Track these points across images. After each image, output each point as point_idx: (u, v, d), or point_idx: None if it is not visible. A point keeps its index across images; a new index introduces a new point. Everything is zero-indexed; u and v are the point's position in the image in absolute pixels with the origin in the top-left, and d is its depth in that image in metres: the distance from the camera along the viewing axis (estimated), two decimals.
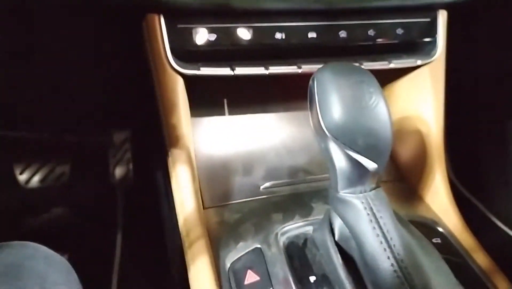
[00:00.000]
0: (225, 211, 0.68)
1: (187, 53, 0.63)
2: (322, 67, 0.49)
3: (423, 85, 0.77)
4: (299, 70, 0.66)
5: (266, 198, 0.71)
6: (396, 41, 0.72)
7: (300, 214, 0.65)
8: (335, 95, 0.46)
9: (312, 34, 0.66)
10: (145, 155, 1.02)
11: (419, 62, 0.73)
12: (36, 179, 1.01)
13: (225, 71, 0.63)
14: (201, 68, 0.62)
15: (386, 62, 0.71)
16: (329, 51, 0.71)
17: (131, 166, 1.06)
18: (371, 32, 0.70)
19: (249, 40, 0.64)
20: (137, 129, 1.08)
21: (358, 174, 0.46)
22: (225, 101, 0.76)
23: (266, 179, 0.74)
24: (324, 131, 0.46)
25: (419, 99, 0.78)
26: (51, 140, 1.01)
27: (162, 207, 0.85)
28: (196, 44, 0.62)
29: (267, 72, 0.65)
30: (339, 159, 0.46)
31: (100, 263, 0.94)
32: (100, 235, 1.00)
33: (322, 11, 0.66)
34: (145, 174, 0.98)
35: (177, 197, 0.64)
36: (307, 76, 0.49)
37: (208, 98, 0.75)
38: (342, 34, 0.68)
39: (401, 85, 0.81)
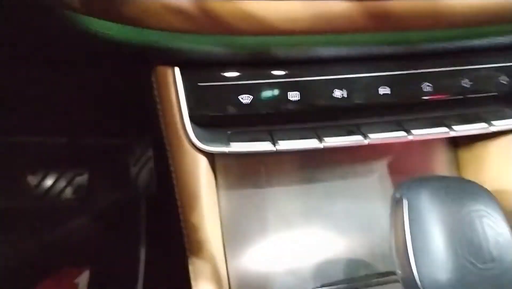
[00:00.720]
0: None
1: (211, 119, 0.46)
2: (414, 181, 0.33)
3: None
4: (366, 142, 0.48)
5: None
6: (495, 93, 0.52)
7: None
8: (439, 238, 0.29)
9: (384, 90, 0.48)
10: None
11: None
12: (54, 188, 0.93)
13: (264, 146, 0.46)
14: (232, 144, 0.45)
15: (484, 125, 0.51)
16: (404, 109, 0.52)
17: (153, 174, 0.99)
18: (465, 83, 0.50)
19: (297, 101, 0.46)
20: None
21: None
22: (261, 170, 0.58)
23: (317, 278, 0.55)
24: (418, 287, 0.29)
25: None
26: (68, 146, 0.93)
27: None
28: (224, 109, 0.45)
29: (321, 145, 0.46)
30: None
31: (123, 276, 0.89)
32: (122, 246, 0.93)
33: (400, 56, 0.47)
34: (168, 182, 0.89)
35: None
36: None
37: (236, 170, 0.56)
38: (427, 87, 0.49)
39: (501, 145, 0.60)
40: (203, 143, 0.44)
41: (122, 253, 0.91)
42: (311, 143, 0.46)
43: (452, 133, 0.50)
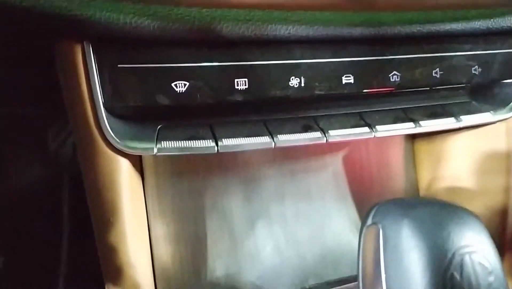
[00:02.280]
0: None
1: (135, 111, 0.36)
2: (391, 205, 0.28)
3: (494, 143, 0.52)
4: (324, 140, 0.40)
5: None
6: (467, 85, 0.47)
7: None
8: (420, 281, 0.25)
9: (348, 79, 0.40)
10: None
11: (497, 117, 0.49)
12: None
13: (203, 145, 0.37)
14: (162, 143, 0.35)
15: (452, 120, 0.46)
16: (368, 100, 0.45)
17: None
18: (436, 72, 0.44)
19: (245, 91, 0.37)
20: None
21: None
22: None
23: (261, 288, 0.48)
24: None
25: (486, 159, 0.53)
26: None
27: None
28: (152, 98, 0.35)
29: (272, 145, 0.38)
30: None
31: (42, 266, 0.78)
32: (40, 232, 0.81)
33: (368, 40, 0.39)
34: None
35: None
36: None
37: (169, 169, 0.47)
38: (394, 76, 0.42)
39: (461, 139, 0.55)
40: (123, 142, 0.34)
41: (40, 240, 0.80)
42: (261, 142, 0.38)
43: (419, 129, 0.44)
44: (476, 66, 0.45)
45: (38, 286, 0.78)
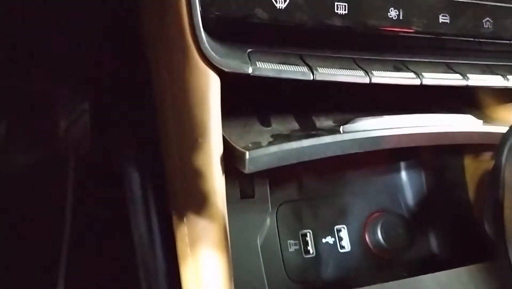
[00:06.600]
0: None
1: (227, 26, 0.33)
2: None
3: None
4: (418, 82, 0.37)
5: None
6: None
7: None
8: None
9: (444, 18, 0.38)
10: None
11: None
12: None
13: (299, 71, 0.34)
14: (258, 64, 0.32)
15: (500, 78, 0.43)
16: (453, 50, 0.43)
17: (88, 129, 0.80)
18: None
19: (344, 16, 0.34)
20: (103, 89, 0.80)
21: None
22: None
23: None
24: None
25: None
26: None
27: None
28: (250, 11, 0.32)
29: (367, 80, 0.36)
30: None
31: (45, 249, 0.72)
32: (44, 215, 0.74)
33: None
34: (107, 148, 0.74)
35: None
36: None
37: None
38: (487, 23, 0.40)
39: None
40: (219, 57, 0.31)
41: (41, 229, 0.74)
42: (356, 75, 0.35)
43: (506, 84, 0.42)
44: None
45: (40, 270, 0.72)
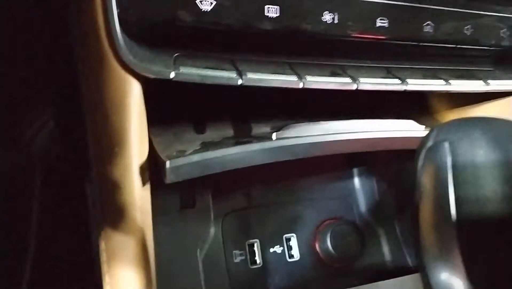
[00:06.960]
0: None
1: (150, 30, 0.31)
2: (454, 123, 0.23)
3: None
4: (354, 87, 0.36)
5: None
6: (495, 48, 0.45)
7: None
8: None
9: (382, 22, 0.37)
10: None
11: None
12: None
13: (226, 75, 0.32)
14: (181, 68, 0.31)
15: (481, 83, 0.43)
16: (395, 56, 0.42)
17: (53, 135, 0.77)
18: (467, 30, 0.41)
19: (275, 19, 0.33)
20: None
21: None
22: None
23: None
24: None
25: None
26: None
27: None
28: (173, 13, 0.30)
29: (300, 85, 0.34)
30: None
31: (10, 254, 0.70)
32: (8, 227, 0.71)
33: None
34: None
35: None
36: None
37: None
38: (427, 27, 0.39)
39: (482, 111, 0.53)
40: (138, 62, 0.30)
41: (5, 237, 0.71)
42: (288, 79, 0.34)
43: (448, 88, 0.41)
44: (505, 29, 0.43)
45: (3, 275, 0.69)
